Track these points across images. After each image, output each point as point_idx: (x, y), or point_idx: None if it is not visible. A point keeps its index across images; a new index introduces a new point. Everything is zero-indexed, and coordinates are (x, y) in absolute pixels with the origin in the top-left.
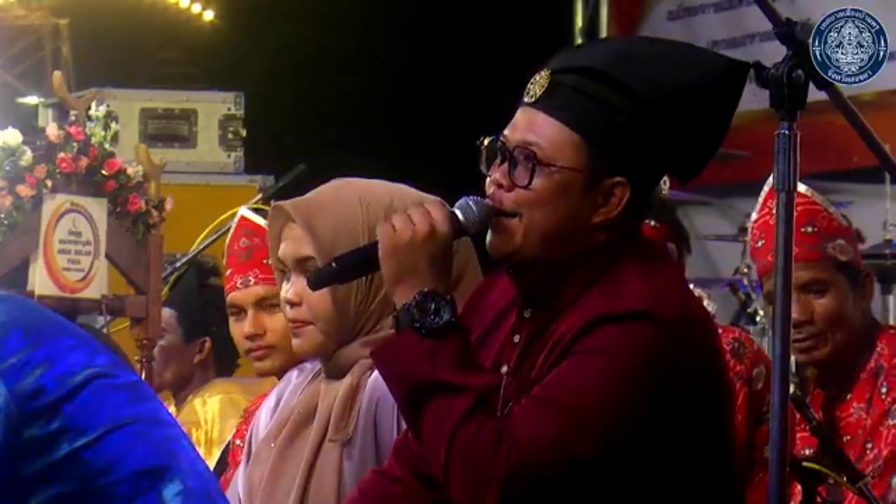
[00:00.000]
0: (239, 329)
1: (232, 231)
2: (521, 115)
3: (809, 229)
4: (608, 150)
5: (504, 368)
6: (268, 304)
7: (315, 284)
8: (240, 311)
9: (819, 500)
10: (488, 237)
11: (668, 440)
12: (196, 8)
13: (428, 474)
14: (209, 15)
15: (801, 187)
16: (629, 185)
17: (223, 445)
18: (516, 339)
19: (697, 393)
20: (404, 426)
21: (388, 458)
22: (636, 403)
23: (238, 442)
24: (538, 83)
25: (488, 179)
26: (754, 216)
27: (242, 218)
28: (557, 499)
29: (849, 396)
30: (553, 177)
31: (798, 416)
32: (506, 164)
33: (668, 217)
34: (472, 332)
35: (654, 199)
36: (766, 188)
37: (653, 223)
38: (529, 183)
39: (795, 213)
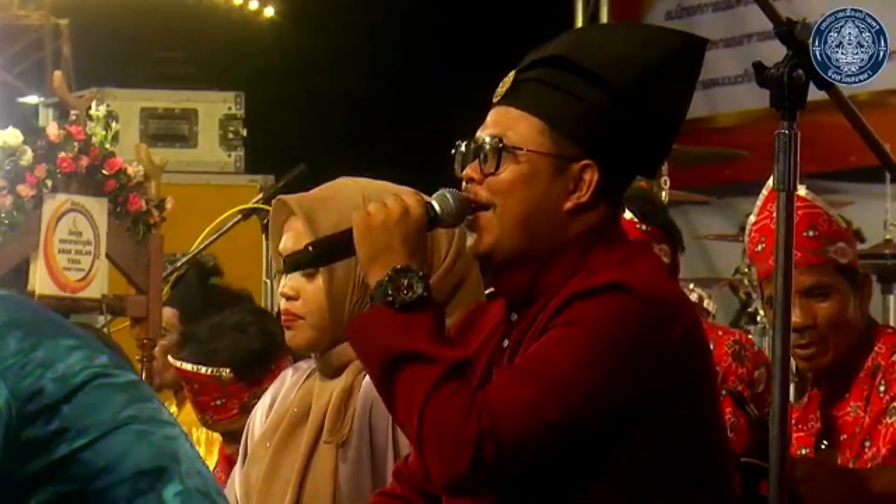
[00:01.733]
0: None
1: None
2: (490, 115)
3: (811, 233)
4: (573, 134)
5: (495, 373)
6: None
7: (289, 268)
8: None
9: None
10: (468, 240)
11: (643, 408)
12: (253, 5)
13: (427, 491)
14: (269, 12)
15: (801, 190)
16: (598, 168)
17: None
18: (505, 343)
19: (671, 362)
20: (401, 440)
21: (389, 482)
22: (607, 369)
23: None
24: (504, 84)
25: (463, 177)
26: (752, 219)
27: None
28: (534, 466)
29: (846, 396)
30: (520, 161)
31: (795, 416)
32: (477, 159)
33: (660, 219)
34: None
35: (642, 200)
36: (764, 191)
37: (644, 227)
38: (497, 168)
39: (796, 217)
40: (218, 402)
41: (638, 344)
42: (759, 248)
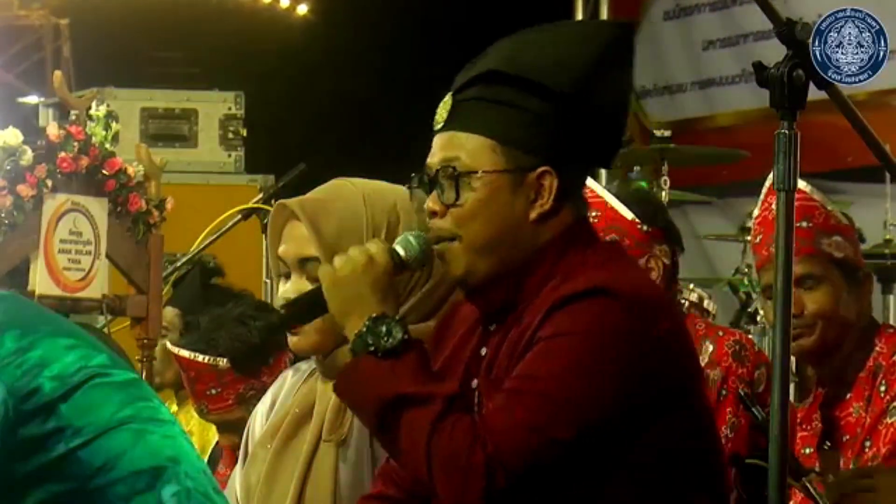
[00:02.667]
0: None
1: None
2: (435, 142)
3: (804, 224)
4: (523, 145)
5: (475, 382)
6: None
7: (264, 335)
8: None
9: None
10: (443, 268)
11: (642, 416)
12: (285, 2)
13: (416, 493)
14: (303, 9)
15: (801, 184)
16: (555, 173)
17: (209, 451)
18: (483, 352)
19: (662, 362)
20: None
21: (375, 484)
22: (602, 378)
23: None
24: (442, 108)
25: (426, 211)
26: (756, 212)
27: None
28: (543, 486)
29: (848, 396)
30: (477, 184)
31: (800, 416)
32: (435, 191)
33: (660, 220)
34: (440, 357)
35: (644, 201)
36: (767, 184)
37: (645, 227)
38: (458, 198)
39: None
40: (213, 392)
41: (626, 347)
42: (758, 238)
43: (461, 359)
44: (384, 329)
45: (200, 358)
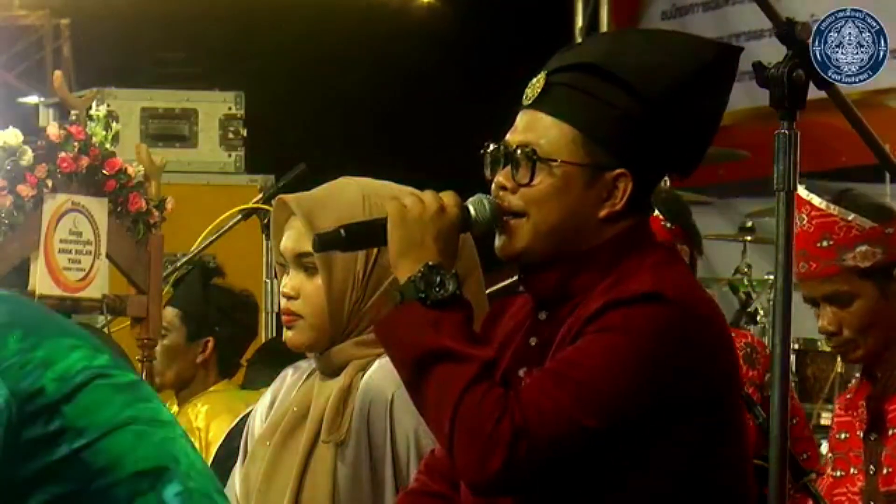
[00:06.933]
0: None
1: None
2: (520, 118)
3: (825, 243)
4: (607, 143)
5: (522, 371)
6: None
7: (318, 247)
8: None
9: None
10: (497, 240)
11: (677, 418)
12: None
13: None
14: None
15: (815, 199)
16: (631, 177)
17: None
18: (532, 341)
19: (707, 371)
20: (398, 439)
21: (416, 477)
22: (643, 377)
23: None
24: (534, 85)
25: (493, 184)
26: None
27: None
28: (564, 470)
29: None
30: (554, 172)
31: (842, 401)
32: (509, 167)
33: (683, 220)
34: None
35: (671, 200)
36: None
37: (669, 225)
38: (531, 180)
39: (811, 227)
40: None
41: (672, 351)
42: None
43: (509, 348)
44: (438, 279)
45: None
